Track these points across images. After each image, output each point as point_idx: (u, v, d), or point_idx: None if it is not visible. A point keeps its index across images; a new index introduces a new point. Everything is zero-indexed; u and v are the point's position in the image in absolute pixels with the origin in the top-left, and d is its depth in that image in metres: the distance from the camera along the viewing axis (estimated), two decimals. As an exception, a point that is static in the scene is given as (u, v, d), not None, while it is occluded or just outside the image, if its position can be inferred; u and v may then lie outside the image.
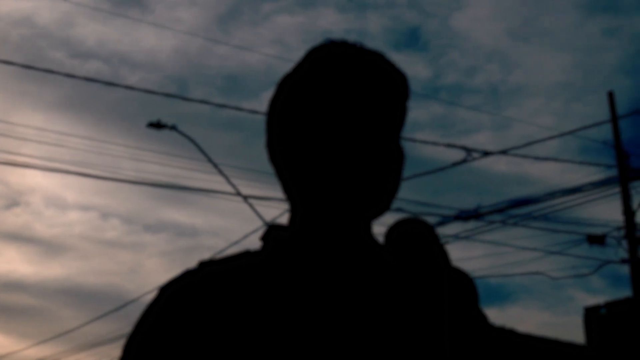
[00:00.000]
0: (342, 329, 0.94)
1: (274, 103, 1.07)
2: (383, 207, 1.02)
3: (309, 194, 1.01)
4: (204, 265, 1.00)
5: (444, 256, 1.07)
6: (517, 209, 12.62)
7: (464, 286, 1.09)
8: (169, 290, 0.97)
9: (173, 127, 12.79)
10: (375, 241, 1.06)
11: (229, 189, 12.80)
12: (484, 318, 1.10)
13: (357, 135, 0.99)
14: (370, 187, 0.99)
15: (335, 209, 1.00)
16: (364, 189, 0.99)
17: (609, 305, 13.59)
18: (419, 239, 1.06)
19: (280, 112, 1.04)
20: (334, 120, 1.00)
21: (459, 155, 12.19)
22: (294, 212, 1.05)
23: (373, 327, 0.96)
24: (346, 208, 1.00)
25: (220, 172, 12.76)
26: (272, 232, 1.05)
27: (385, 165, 1.01)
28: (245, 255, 1.02)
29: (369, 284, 1.00)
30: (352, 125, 0.99)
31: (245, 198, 12.72)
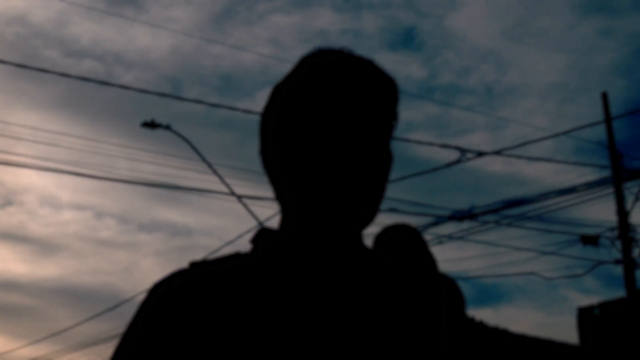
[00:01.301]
0: (334, 331, 0.95)
1: (268, 110, 1.08)
2: (372, 211, 1.03)
3: (303, 196, 1.01)
4: (194, 266, 1.01)
5: (432, 262, 1.08)
6: (511, 210, 12.66)
7: (450, 292, 1.10)
8: (159, 291, 0.98)
9: (167, 127, 12.79)
10: (364, 245, 1.07)
11: (223, 188, 12.81)
12: (472, 323, 1.11)
13: (350, 140, 1.01)
14: (362, 191, 1.01)
15: (329, 211, 1.01)
16: (356, 192, 1.00)
17: (602, 305, 13.64)
18: (407, 246, 1.07)
19: (276, 119, 1.06)
20: (327, 125, 1.01)
21: (453, 155, 12.21)
22: (285, 216, 1.06)
23: (366, 330, 0.96)
24: (339, 210, 1.01)
25: (215, 172, 12.77)
26: (262, 235, 1.06)
27: (376, 170, 1.02)
28: (236, 257, 1.03)
29: (360, 286, 1.01)
30: (344, 130, 1.01)
31: (240, 198, 12.73)
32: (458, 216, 12.83)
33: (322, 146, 1.00)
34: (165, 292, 0.97)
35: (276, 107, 1.07)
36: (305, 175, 1.01)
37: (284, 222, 1.06)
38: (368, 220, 1.04)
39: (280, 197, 1.06)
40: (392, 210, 12.28)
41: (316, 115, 1.02)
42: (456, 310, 1.09)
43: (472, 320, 1.11)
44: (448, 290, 1.09)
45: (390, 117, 1.06)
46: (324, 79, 1.03)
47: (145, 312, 0.96)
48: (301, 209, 1.03)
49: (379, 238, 1.09)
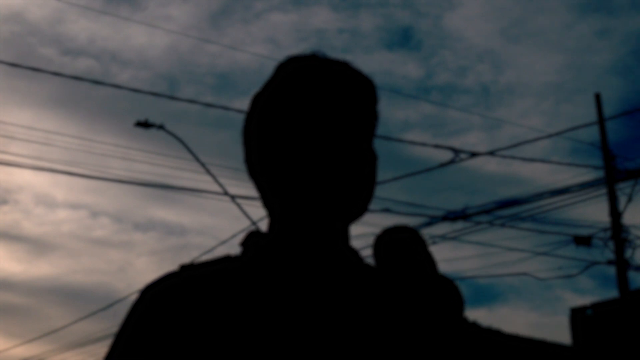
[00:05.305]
0: (319, 335, 0.96)
1: (249, 118, 1.11)
2: (359, 210, 1.06)
3: (287, 201, 1.04)
4: (184, 269, 1.02)
5: (431, 263, 1.09)
6: (504, 210, 12.68)
7: (449, 293, 1.10)
8: (149, 293, 0.99)
9: (161, 127, 12.76)
10: (350, 248, 1.09)
11: (217, 188, 12.80)
12: (468, 325, 1.12)
13: (330, 142, 1.03)
14: (345, 191, 1.03)
15: (312, 214, 1.03)
16: (339, 193, 1.02)
17: (595, 306, 13.69)
18: (406, 248, 1.08)
19: (257, 126, 1.08)
20: (307, 129, 1.03)
21: (447, 155, 12.22)
22: (272, 221, 1.08)
23: (350, 333, 0.98)
24: (323, 212, 1.03)
25: (208, 172, 12.76)
26: (251, 238, 1.08)
27: (358, 169, 1.04)
28: (226, 260, 1.05)
29: (345, 290, 1.02)
30: (324, 132, 1.03)
31: (233, 197, 12.73)
32: (451, 216, 12.84)
33: (301, 151, 1.03)
34: (155, 294, 0.98)
35: (256, 116, 1.09)
36: (286, 180, 1.03)
37: (271, 225, 1.08)
38: (355, 217, 1.06)
39: (266, 203, 1.08)
40: (386, 210, 12.30)
41: (294, 121, 1.04)
42: (454, 311, 1.10)
43: (467, 322, 1.12)
44: (446, 292, 1.10)
45: (369, 117, 1.08)
46: (300, 85, 1.06)
47: (136, 315, 0.98)
48: (284, 214, 1.05)
49: (379, 240, 1.09)
